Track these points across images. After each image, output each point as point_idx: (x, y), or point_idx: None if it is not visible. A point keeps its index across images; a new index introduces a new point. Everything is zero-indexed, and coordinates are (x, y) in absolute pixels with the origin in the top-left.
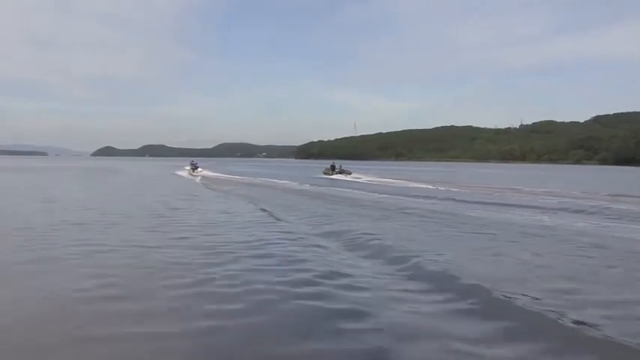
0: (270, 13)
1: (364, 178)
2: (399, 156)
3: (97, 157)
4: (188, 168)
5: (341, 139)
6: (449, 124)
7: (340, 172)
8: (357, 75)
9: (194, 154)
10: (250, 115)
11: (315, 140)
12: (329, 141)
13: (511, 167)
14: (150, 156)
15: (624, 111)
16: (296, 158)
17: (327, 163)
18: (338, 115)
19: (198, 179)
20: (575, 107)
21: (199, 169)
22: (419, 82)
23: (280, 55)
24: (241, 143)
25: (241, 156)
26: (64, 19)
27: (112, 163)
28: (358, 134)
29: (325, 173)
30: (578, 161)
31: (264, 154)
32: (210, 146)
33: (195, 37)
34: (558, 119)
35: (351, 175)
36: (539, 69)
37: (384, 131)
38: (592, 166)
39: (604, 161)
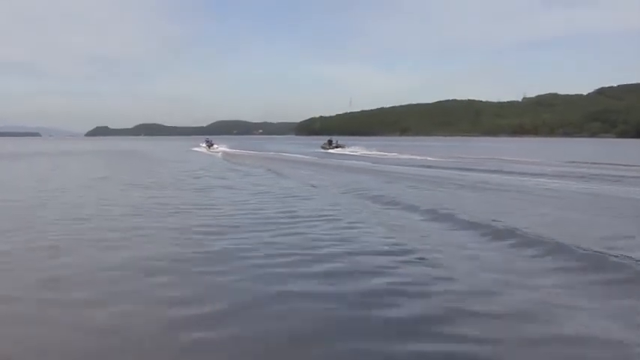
0: None
1: (363, 152)
2: (405, 131)
3: (91, 137)
4: (204, 145)
5: (342, 114)
6: (450, 98)
7: (337, 147)
8: (351, 50)
9: (189, 133)
10: (245, 92)
11: (314, 116)
12: (330, 117)
13: (528, 141)
14: (145, 135)
15: (629, 82)
16: (297, 134)
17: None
18: (333, 90)
19: (226, 158)
20: (576, 80)
21: (215, 146)
22: (413, 57)
23: (276, 31)
24: (237, 120)
25: (237, 133)
26: None
27: (117, 143)
28: (353, 110)
29: (323, 148)
30: (594, 134)
31: (260, 131)
32: (205, 124)
33: (188, 12)
34: (560, 92)
35: (349, 149)
36: (535, 42)
37: (380, 106)
38: (612, 139)
39: (623, 134)
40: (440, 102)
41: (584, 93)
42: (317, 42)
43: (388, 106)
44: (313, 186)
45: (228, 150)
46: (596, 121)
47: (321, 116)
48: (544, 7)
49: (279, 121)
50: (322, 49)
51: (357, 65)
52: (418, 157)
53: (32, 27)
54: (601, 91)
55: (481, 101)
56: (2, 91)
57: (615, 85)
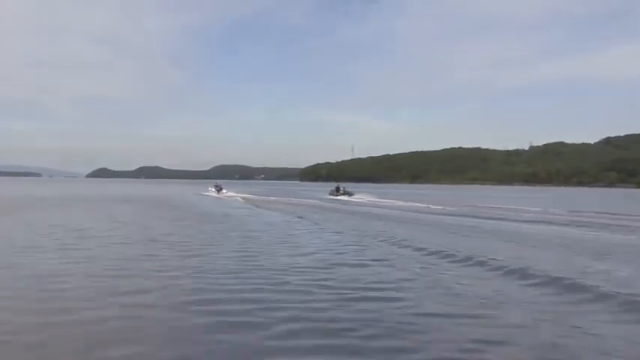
0: (264, 35)
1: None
2: (415, 178)
3: (92, 178)
4: (213, 189)
5: (348, 160)
6: (456, 146)
7: (344, 194)
8: (352, 97)
9: (190, 176)
10: (245, 137)
11: (316, 162)
12: (337, 162)
13: (548, 190)
14: (146, 177)
15: (635, 132)
16: (301, 180)
17: (333, 186)
18: (334, 137)
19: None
20: (581, 128)
21: (224, 191)
22: (413, 104)
23: (275, 77)
24: (238, 165)
25: (239, 178)
26: (58, 39)
27: (124, 186)
28: (355, 157)
29: (331, 194)
30: (611, 184)
31: (262, 176)
32: (207, 168)
33: (190, 59)
34: (567, 140)
35: (355, 196)
36: (537, 89)
37: (381, 153)
38: (635, 190)
39: None
40: (446, 149)
41: (591, 142)
42: (317, 89)
43: (390, 153)
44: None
45: (247, 196)
46: (610, 170)
47: (327, 162)
48: (544, 55)
49: (280, 166)
50: (322, 97)
51: (357, 112)
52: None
53: (34, 68)
54: (608, 141)
55: (488, 149)
56: (3, 130)
57: (622, 135)
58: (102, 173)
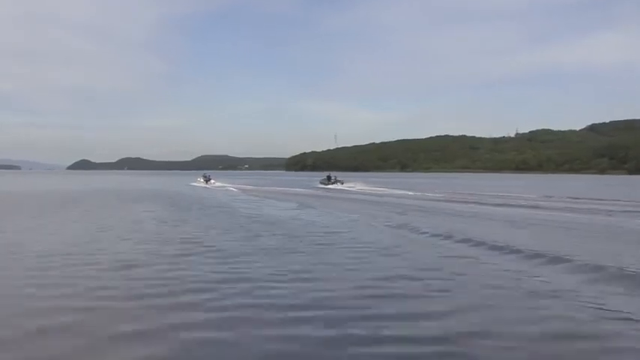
0: (249, 25)
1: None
2: (404, 167)
3: (74, 170)
4: (201, 180)
5: (334, 149)
6: (442, 134)
7: (335, 182)
8: (337, 86)
9: (173, 167)
10: (229, 128)
11: (301, 152)
12: (322, 152)
13: (551, 178)
14: (128, 169)
15: (619, 119)
16: (287, 170)
17: (321, 175)
18: (319, 126)
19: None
20: (565, 116)
21: (212, 181)
22: (397, 93)
23: (260, 67)
24: (221, 155)
25: (223, 168)
26: (39, 29)
27: (109, 178)
28: (339, 145)
29: (322, 183)
30: (603, 171)
31: (246, 166)
32: (190, 158)
33: (173, 49)
34: (551, 127)
35: (347, 185)
36: (521, 78)
37: (365, 142)
38: (629, 177)
39: (636, 170)
40: (432, 138)
41: (577, 129)
42: (300, 79)
43: (376, 142)
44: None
45: (242, 187)
46: (602, 157)
47: (313, 151)
48: (529, 43)
49: (264, 156)
50: (306, 86)
51: (341, 101)
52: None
53: (14, 58)
54: (593, 127)
55: (475, 137)
56: None
57: (607, 122)
58: (83, 165)
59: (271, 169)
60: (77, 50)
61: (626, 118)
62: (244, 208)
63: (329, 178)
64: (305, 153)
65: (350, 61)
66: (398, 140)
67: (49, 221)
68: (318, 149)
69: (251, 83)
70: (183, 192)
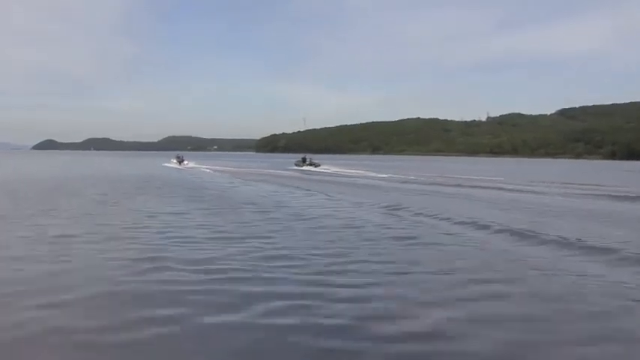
0: (218, 4)
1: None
2: (376, 149)
3: (39, 150)
4: (175, 161)
5: (304, 131)
6: (414, 117)
7: (310, 165)
8: (304, 68)
9: (141, 148)
10: (196, 109)
11: (272, 133)
12: (294, 133)
13: (534, 162)
14: (94, 149)
15: (589, 104)
16: (257, 152)
17: (294, 157)
18: (286, 108)
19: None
20: (536, 101)
21: (185, 162)
22: (366, 76)
23: (228, 47)
24: (189, 136)
25: (192, 149)
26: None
27: (78, 159)
28: (307, 128)
29: (297, 165)
30: (579, 155)
31: (215, 147)
32: (156, 139)
33: (141, 29)
34: (522, 112)
35: (320, 167)
36: (490, 62)
37: (335, 124)
38: (605, 162)
39: (611, 155)
40: (404, 120)
41: (547, 113)
42: (269, 60)
43: (346, 124)
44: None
45: (218, 168)
46: (577, 141)
47: (284, 133)
48: (497, 29)
49: (233, 137)
50: (274, 68)
51: (309, 84)
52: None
53: None
54: (563, 112)
55: (446, 120)
56: None
57: (577, 107)
58: (49, 145)
59: (241, 151)
60: (44, 31)
61: (595, 104)
62: (262, 197)
63: (304, 160)
64: (276, 135)
65: (319, 43)
66: (369, 122)
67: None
68: (287, 131)
69: (218, 65)
70: (173, 177)
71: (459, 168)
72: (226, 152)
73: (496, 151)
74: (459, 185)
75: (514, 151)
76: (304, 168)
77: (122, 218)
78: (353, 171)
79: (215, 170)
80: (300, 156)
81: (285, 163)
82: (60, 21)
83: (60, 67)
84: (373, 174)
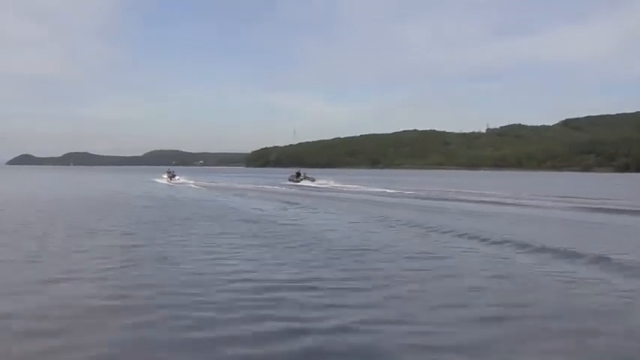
0: (204, 11)
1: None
2: (374, 163)
3: (14, 166)
4: (165, 177)
5: (297, 144)
6: (410, 128)
7: (305, 179)
8: (295, 78)
9: (123, 163)
10: (182, 121)
11: (260, 147)
12: (285, 147)
13: (546, 175)
14: (74, 164)
15: (594, 114)
16: (247, 166)
17: (288, 172)
18: (277, 120)
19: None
20: (537, 111)
21: (177, 177)
22: (358, 86)
23: (214, 56)
24: (174, 150)
25: (177, 164)
26: None
27: (65, 176)
28: (299, 140)
29: (291, 180)
30: (587, 168)
31: (201, 162)
32: (140, 154)
33: (123, 35)
34: (523, 122)
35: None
36: (488, 71)
37: (328, 137)
38: (620, 175)
39: (624, 168)
40: (399, 132)
41: (550, 124)
42: (258, 70)
43: (341, 136)
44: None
45: (213, 184)
46: (587, 153)
47: (276, 146)
48: (495, 35)
49: (221, 151)
50: (264, 77)
51: (301, 94)
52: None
53: None
54: (566, 123)
55: (445, 132)
56: None
57: (582, 117)
58: (25, 160)
59: (229, 165)
60: (20, 35)
61: (601, 114)
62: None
63: (298, 174)
64: (267, 148)
65: (309, 51)
66: (364, 135)
67: None
68: (278, 144)
69: (206, 74)
70: (181, 197)
71: (467, 182)
72: (213, 167)
73: (500, 164)
74: (481, 202)
75: (518, 164)
76: (300, 183)
77: None
78: (366, 188)
79: (214, 187)
80: (293, 170)
81: (281, 179)
82: (41, 26)
83: (35, 74)
84: (392, 190)
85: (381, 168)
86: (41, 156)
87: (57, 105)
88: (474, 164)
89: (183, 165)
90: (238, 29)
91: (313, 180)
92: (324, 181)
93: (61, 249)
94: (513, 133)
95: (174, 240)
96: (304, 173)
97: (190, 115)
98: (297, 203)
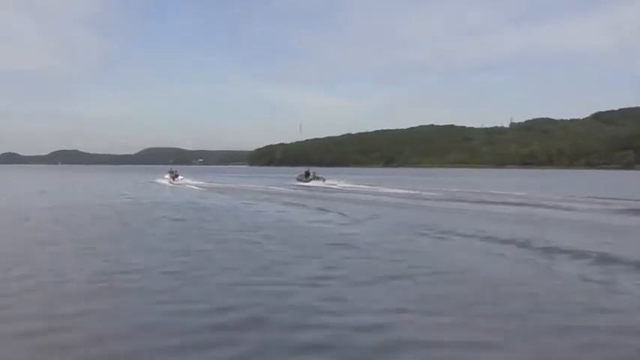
0: (200, 1)
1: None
2: (389, 162)
3: None
4: (167, 177)
5: (304, 141)
6: (426, 124)
7: (315, 179)
8: (299, 71)
9: (115, 162)
10: (178, 117)
11: (265, 145)
12: (291, 144)
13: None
14: (62, 163)
15: (628, 106)
16: (250, 164)
17: (295, 171)
18: (278, 116)
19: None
20: (565, 103)
21: (180, 178)
22: (371, 78)
23: (211, 48)
24: (171, 148)
25: (174, 163)
26: None
27: (52, 178)
28: (306, 137)
29: (299, 180)
30: (628, 165)
31: (200, 160)
32: (134, 152)
33: (115, 26)
34: (550, 116)
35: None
36: (505, 61)
37: (335, 133)
38: None
39: None
40: (415, 128)
41: (580, 117)
42: (259, 62)
43: (342, 133)
44: None
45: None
46: (624, 149)
47: (281, 143)
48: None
49: (221, 149)
50: (265, 70)
51: (303, 88)
52: None
53: None
54: (597, 116)
55: (464, 127)
56: None
57: (616, 109)
58: (10, 159)
59: (230, 164)
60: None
61: (637, 105)
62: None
63: (307, 174)
64: (272, 145)
65: (314, 41)
66: (377, 131)
67: None
68: (283, 141)
69: (203, 66)
70: (207, 205)
71: (514, 183)
72: (214, 166)
73: (528, 161)
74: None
75: (549, 161)
76: (309, 184)
77: None
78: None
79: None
80: (301, 169)
81: (290, 178)
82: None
83: (23, 68)
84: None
85: (396, 167)
86: (27, 155)
87: (43, 101)
88: (499, 162)
89: (182, 164)
90: (236, 18)
91: (324, 180)
92: (335, 181)
93: None
94: (540, 127)
95: (270, 291)
96: (314, 172)
97: (187, 110)
98: (344, 214)
